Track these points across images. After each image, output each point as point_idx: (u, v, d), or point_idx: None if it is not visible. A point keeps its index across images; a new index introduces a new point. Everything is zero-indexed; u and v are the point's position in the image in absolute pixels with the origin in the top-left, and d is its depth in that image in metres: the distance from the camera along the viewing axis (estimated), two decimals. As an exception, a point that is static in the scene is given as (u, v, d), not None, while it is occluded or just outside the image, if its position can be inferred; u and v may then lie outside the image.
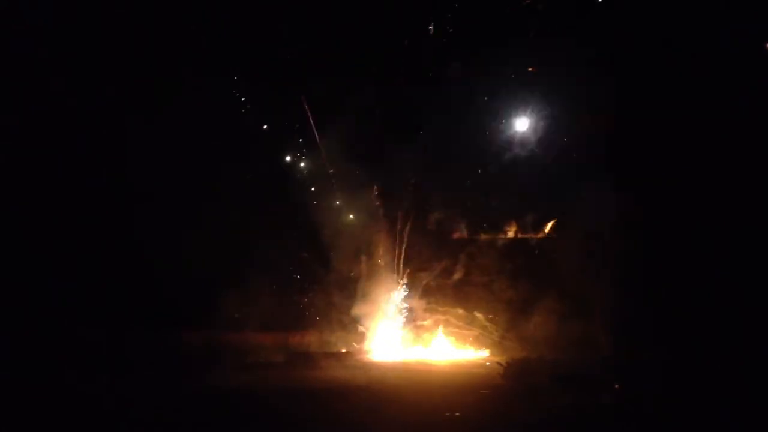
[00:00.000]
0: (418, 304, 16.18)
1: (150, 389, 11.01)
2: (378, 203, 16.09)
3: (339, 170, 15.62)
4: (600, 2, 14.93)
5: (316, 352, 14.64)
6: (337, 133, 15.15)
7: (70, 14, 14.56)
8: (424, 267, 16.21)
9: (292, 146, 15.91)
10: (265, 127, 15.84)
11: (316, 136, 15.53)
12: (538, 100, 15.51)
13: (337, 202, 15.94)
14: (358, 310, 15.75)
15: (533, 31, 14.96)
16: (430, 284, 16.23)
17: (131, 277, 14.55)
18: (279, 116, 15.81)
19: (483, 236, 16.44)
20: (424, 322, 16.12)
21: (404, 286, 16.21)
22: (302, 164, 15.97)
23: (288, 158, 16.03)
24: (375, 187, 16.02)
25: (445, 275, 16.23)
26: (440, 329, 16.02)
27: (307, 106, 15.44)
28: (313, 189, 15.69)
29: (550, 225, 16.20)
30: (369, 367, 13.84)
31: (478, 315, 15.95)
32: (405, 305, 16.23)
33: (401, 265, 16.21)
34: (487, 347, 15.63)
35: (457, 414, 9.34)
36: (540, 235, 16.37)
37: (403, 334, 16.08)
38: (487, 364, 13.75)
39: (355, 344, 15.50)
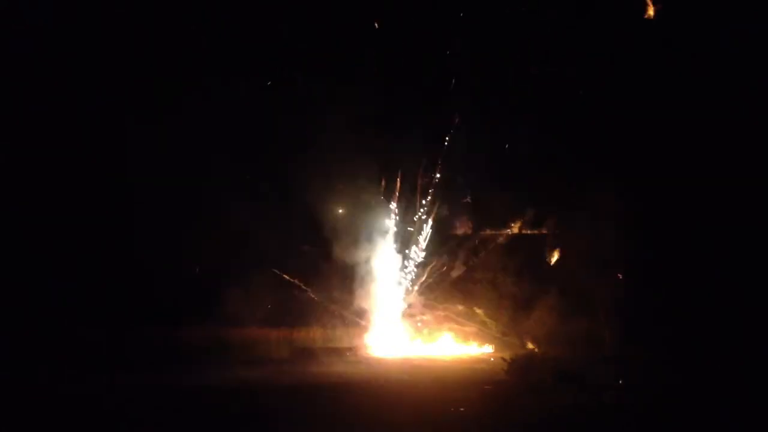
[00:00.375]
0: (421, 299, 16.19)
1: (154, 386, 11.04)
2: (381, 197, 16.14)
3: (340, 164, 15.52)
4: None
5: (320, 348, 14.68)
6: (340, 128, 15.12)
7: (70, 14, 14.60)
8: (426, 262, 16.24)
9: (291, 142, 15.84)
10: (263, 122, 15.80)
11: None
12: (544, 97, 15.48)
13: (339, 201, 15.89)
14: (360, 305, 15.77)
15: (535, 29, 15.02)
16: (433, 280, 16.24)
17: (133, 275, 14.57)
18: (277, 111, 15.77)
19: (487, 232, 16.44)
20: (424, 317, 16.12)
21: (407, 282, 16.22)
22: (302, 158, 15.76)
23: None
24: (379, 181, 16.06)
25: (447, 271, 16.25)
26: (443, 325, 16.03)
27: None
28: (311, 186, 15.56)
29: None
30: (373, 362, 13.88)
31: (478, 311, 15.97)
32: (408, 301, 16.24)
33: (405, 259, 16.26)
34: (489, 343, 15.64)
35: (461, 409, 9.35)
36: (543, 232, 16.38)
37: (406, 330, 16.09)
38: (491, 360, 13.76)
39: (358, 340, 15.50)
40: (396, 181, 16.17)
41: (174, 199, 14.69)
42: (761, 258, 13.62)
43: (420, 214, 16.26)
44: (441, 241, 16.33)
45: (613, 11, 14.76)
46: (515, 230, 16.70)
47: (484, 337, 15.81)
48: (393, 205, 16.19)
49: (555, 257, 15.64)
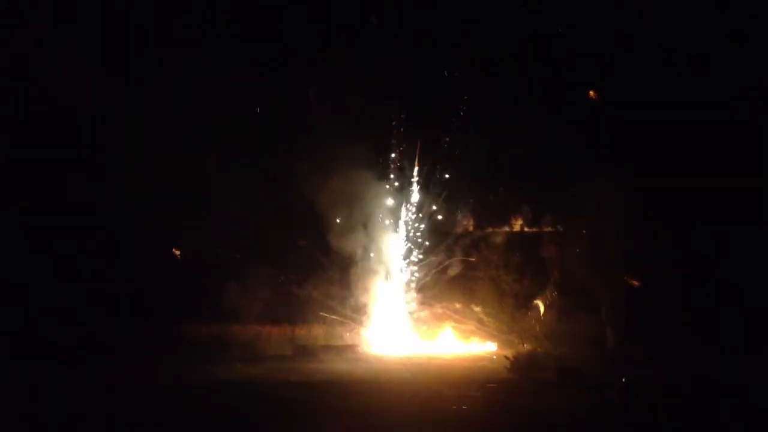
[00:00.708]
0: (421, 297, 16.19)
1: (158, 381, 11.06)
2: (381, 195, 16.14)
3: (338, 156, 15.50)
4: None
5: (322, 345, 14.67)
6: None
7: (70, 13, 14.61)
8: (427, 259, 16.24)
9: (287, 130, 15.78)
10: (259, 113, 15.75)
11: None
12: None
13: (336, 194, 15.84)
14: (361, 303, 15.77)
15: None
16: (434, 277, 16.24)
17: (134, 273, 14.59)
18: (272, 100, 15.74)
19: (488, 230, 16.45)
20: (424, 314, 16.12)
21: (408, 279, 16.22)
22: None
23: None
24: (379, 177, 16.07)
25: (447, 268, 16.25)
26: (444, 323, 16.04)
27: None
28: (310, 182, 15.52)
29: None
30: (375, 360, 13.87)
31: (476, 308, 15.96)
32: (409, 299, 16.24)
33: (405, 256, 16.25)
34: (490, 341, 15.65)
35: (463, 407, 9.36)
36: (545, 230, 16.38)
37: (408, 328, 16.09)
38: (494, 357, 13.77)
39: (359, 337, 15.50)
40: (395, 175, 16.16)
41: (170, 198, 14.70)
42: (762, 256, 13.64)
43: (420, 210, 16.27)
44: (441, 238, 16.31)
45: (612, 11, 14.75)
46: (516, 228, 16.71)
47: (485, 335, 15.81)
48: (391, 202, 16.17)
49: (556, 255, 15.63)
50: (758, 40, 13.67)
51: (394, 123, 15.92)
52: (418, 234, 16.32)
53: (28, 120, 14.87)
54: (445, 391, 10.40)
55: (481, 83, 15.67)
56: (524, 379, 11.22)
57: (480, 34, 15.52)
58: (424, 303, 16.26)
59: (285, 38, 15.40)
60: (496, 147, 15.88)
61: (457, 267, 16.17)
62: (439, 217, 16.40)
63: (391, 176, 16.21)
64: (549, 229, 16.49)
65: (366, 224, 15.86)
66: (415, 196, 16.36)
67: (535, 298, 15.40)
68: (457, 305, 16.05)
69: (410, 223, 16.32)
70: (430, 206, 16.29)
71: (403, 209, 16.30)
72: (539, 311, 15.27)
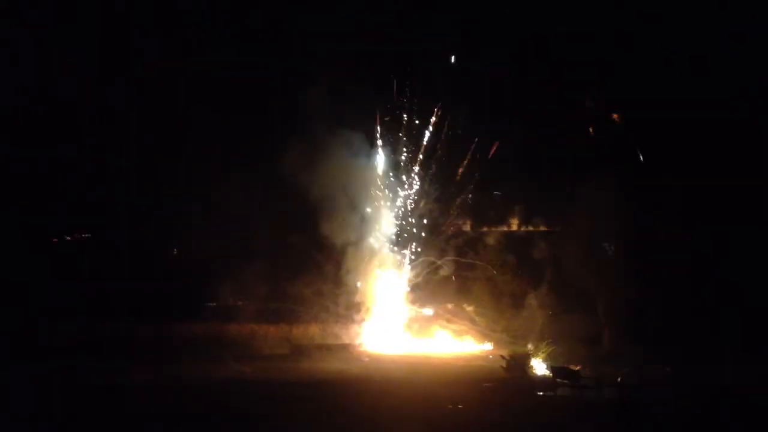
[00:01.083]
0: (416, 297, 16.16)
1: (154, 379, 11.01)
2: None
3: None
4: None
5: (319, 344, 14.61)
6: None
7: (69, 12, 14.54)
8: (423, 259, 16.21)
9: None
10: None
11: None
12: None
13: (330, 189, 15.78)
14: (358, 303, 15.73)
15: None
16: (430, 277, 16.21)
17: (130, 274, 14.53)
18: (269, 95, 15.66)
19: (484, 229, 16.41)
20: (418, 313, 16.09)
21: (404, 278, 16.19)
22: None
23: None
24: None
25: (444, 268, 16.21)
26: (440, 322, 16.00)
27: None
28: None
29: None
30: (372, 359, 13.83)
31: (468, 308, 15.95)
32: (404, 298, 16.21)
33: (401, 256, 16.22)
34: (487, 340, 15.62)
35: (459, 406, 9.33)
36: (542, 230, 16.36)
37: (405, 327, 16.05)
38: (490, 357, 13.74)
39: (357, 337, 15.45)
40: (391, 172, 16.12)
41: (165, 198, 14.64)
42: (762, 256, 13.65)
43: (415, 208, 16.24)
44: (437, 238, 16.27)
45: (610, 9, 14.73)
46: (513, 227, 16.68)
47: (479, 335, 15.78)
48: (385, 200, 16.13)
49: (551, 254, 15.61)
50: (758, 40, 13.63)
51: (387, 119, 15.82)
52: (413, 233, 16.26)
53: (28, 120, 14.77)
54: (440, 390, 10.38)
55: (480, 81, 15.57)
56: (520, 378, 11.21)
57: (481, 30, 15.44)
58: (417, 302, 16.20)
59: (277, 26, 15.30)
60: (493, 146, 15.82)
61: (451, 266, 16.11)
62: (435, 216, 16.32)
63: (387, 173, 16.10)
64: (545, 228, 16.46)
65: (361, 222, 15.77)
66: (412, 194, 16.25)
67: (528, 298, 15.37)
68: (449, 305, 15.99)
69: (406, 222, 16.25)
70: (426, 205, 16.21)
71: (399, 208, 16.21)
72: (532, 311, 15.23)
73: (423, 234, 16.28)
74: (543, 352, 12.30)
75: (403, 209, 16.24)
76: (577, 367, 10.78)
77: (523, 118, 15.45)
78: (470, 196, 16.31)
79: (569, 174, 15.16)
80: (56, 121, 14.97)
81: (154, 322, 14.23)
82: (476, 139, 15.86)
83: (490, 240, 16.28)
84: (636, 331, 13.55)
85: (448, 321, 15.96)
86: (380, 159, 16.07)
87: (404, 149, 16.11)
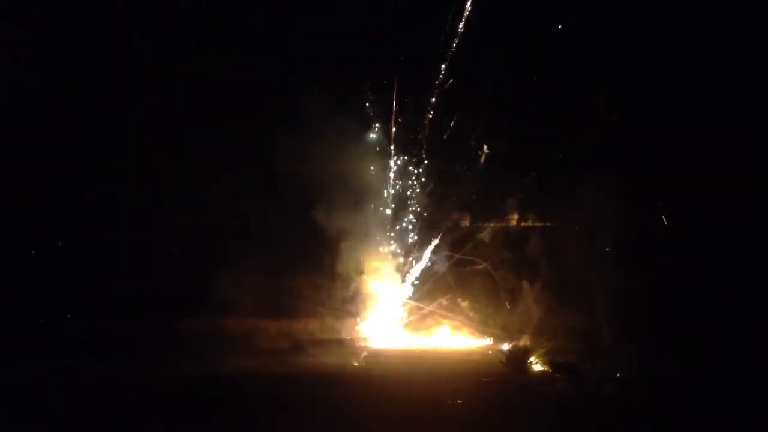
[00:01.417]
0: (413, 291, 16.17)
1: (154, 375, 11.05)
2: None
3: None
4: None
5: (318, 339, 14.59)
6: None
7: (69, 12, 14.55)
8: (422, 252, 16.21)
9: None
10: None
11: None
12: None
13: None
14: (358, 297, 15.74)
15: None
16: (430, 271, 16.20)
17: (131, 270, 14.53)
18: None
19: (484, 223, 16.40)
20: (416, 307, 16.09)
21: (403, 272, 16.20)
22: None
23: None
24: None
25: (444, 262, 16.21)
26: (440, 317, 16.00)
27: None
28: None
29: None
30: (371, 354, 13.83)
31: (463, 303, 15.93)
32: (402, 293, 16.21)
33: (401, 249, 16.22)
34: (486, 335, 15.63)
35: (459, 401, 9.34)
36: (541, 224, 16.36)
37: (404, 322, 16.06)
38: (489, 352, 13.75)
39: (355, 331, 15.46)
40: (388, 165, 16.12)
41: (160, 192, 14.65)
42: (762, 255, 13.66)
43: (414, 202, 16.25)
44: (436, 232, 16.27)
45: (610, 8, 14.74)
46: (512, 222, 16.67)
47: (475, 330, 15.79)
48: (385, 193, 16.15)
49: (550, 250, 15.60)
50: (758, 40, 13.64)
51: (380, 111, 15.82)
52: (411, 226, 16.26)
53: (27, 120, 14.79)
54: (440, 385, 10.39)
55: (479, 80, 15.58)
56: (519, 373, 11.22)
57: (480, 30, 15.45)
58: (414, 297, 16.20)
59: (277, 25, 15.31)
60: (491, 141, 15.81)
61: (447, 261, 16.11)
62: (432, 210, 16.32)
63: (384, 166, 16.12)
64: (544, 224, 16.45)
65: (359, 216, 15.80)
66: (408, 189, 16.26)
67: (525, 294, 15.38)
68: (444, 301, 16.00)
69: (404, 214, 16.26)
70: (423, 198, 16.21)
71: (394, 200, 16.23)
72: (528, 306, 15.24)
73: (421, 229, 16.25)
74: (542, 347, 12.31)
75: (402, 203, 16.22)
76: (576, 363, 10.81)
77: (522, 117, 15.45)
78: (464, 192, 16.29)
79: (569, 170, 15.15)
80: (56, 121, 14.96)
81: (154, 319, 14.21)
82: (475, 137, 15.86)
83: (487, 235, 16.27)
84: (635, 327, 13.55)
85: (443, 316, 15.97)
86: (381, 155, 16.06)
87: (403, 146, 16.12)
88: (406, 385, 10.65)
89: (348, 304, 15.67)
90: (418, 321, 16.07)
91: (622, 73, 14.57)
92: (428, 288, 16.12)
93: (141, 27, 14.91)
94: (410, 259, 16.23)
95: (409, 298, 16.13)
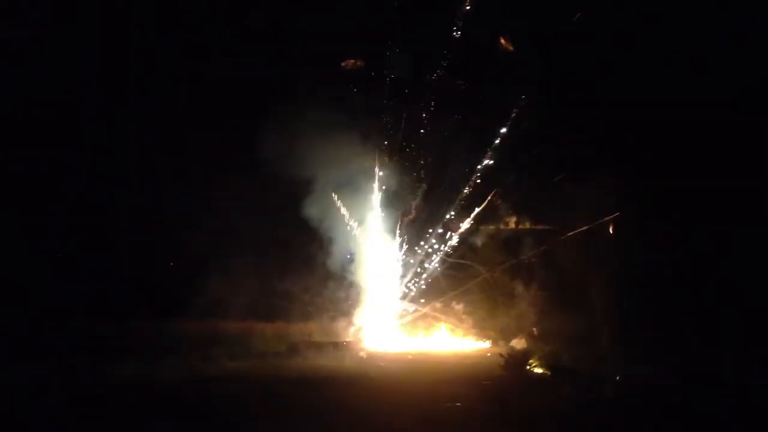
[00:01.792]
0: (409, 294, 16.18)
1: (150, 376, 11.04)
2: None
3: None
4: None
5: (316, 342, 14.61)
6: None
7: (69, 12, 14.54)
8: (420, 256, 16.21)
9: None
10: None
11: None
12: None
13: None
14: (356, 300, 15.75)
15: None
16: (428, 274, 16.22)
17: (131, 272, 14.55)
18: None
19: (482, 227, 16.41)
20: (412, 310, 16.11)
21: (402, 275, 16.21)
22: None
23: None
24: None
25: (442, 265, 16.23)
26: (438, 320, 16.02)
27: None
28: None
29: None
30: (369, 356, 13.85)
31: (457, 307, 15.98)
32: (402, 297, 16.22)
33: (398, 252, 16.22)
34: (485, 338, 15.65)
35: (457, 404, 9.34)
36: (540, 228, 16.37)
37: (402, 325, 16.08)
38: (488, 355, 13.76)
39: (354, 334, 15.47)
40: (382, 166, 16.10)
41: (156, 191, 14.65)
42: (759, 257, 13.66)
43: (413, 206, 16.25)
44: (436, 235, 16.28)
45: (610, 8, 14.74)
46: (511, 225, 16.68)
47: (480, 333, 15.80)
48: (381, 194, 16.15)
49: (547, 253, 15.63)
50: (758, 40, 13.65)
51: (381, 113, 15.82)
52: (409, 227, 16.27)
53: (27, 120, 14.79)
54: (438, 388, 10.39)
55: (479, 79, 15.58)
56: (518, 376, 11.22)
57: (481, 29, 15.45)
58: (409, 299, 16.22)
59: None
60: (489, 142, 15.81)
61: (443, 264, 16.12)
62: (433, 213, 16.32)
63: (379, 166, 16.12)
64: (541, 227, 16.46)
65: (354, 216, 15.80)
66: (406, 190, 16.27)
67: (521, 297, 15.41)
68: (437, 303, 16.02)
69: (401, 217, 16.27)
70: (425, 201, 16.22)
71: (394, 205, 16.25)
72: (534, 310, 15.26)
73: (418, 232, 16.26)
74: (541, 351, 12.32)
75: (399, 207, 16.25)
76: (575, 366, 10.82)
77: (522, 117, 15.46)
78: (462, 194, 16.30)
79: (567, 172, 15.16)
80: (56, 121, 14.97)
81: (152, 321, 14.22)
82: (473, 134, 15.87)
83: (483, 238, 16.28)
84: (634, 330, 13.56)
85: (437, 319, 15.99)
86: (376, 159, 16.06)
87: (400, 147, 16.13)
88: (404, 388, 10.65)
89: (345, 306, 15.72)
90: (416, 323, 16.12)
91: (622, 73, 14.59)
92: (428, 289, 16.16)
93: (141, 27, 14.89)
94: (410, 260, 16.26)
95: (408, 300, 16.17)
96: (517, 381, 11.00)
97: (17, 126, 14.62)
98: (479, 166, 15.91)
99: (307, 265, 15.44)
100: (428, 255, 16.19)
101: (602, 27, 14.73)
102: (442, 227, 16.28)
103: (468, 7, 15.18)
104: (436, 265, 16.15)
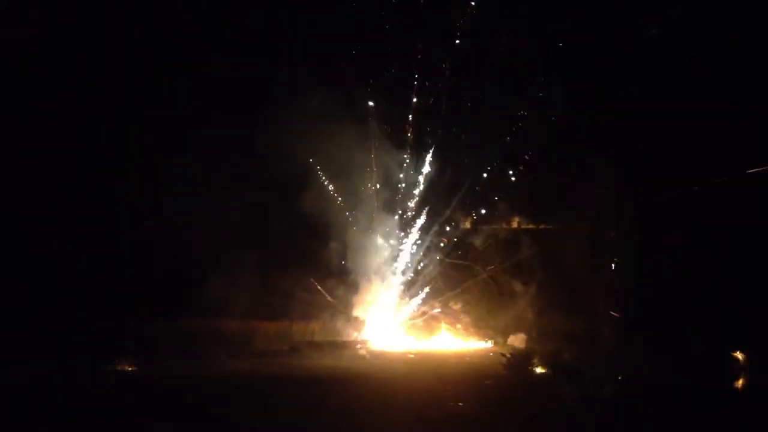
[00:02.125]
0: (418, 294, 16.17)
1: (154, 375, 11.05)
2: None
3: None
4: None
5: (319, 341, 14.60)
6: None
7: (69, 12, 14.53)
8: (422, 256, 16.21)
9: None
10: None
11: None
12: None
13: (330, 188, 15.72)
14: (359, 299, 15.74)
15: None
16: (430, 274, 16.20)
17: (131, 272, 14.51)
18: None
19: (485, 226, 16.40)
20: (413, 310, 16.10)
21: (404, 275, 16.20)
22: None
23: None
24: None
25: (444, 266, 16.20)
26: (441, 320, 16.01)
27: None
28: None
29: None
30: (371, 356, 13.84)
31: (455, 306, 15.95)
32: (405, 296, 16.21)
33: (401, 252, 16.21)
34: (488, 338, 15.63)
35: (460, 404, 9.34)
36: (542, 227, 16.36)
37: (405, 324, 16.06)
38: (490, 355, 13.76)
39: (357, 333, 15.45)
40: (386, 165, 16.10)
41: (156, 191, 14.64)
42: (759, 257, 13.68)
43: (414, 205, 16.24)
44: (437, 235, 16.27)
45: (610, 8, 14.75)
46: (513, 225, 16.67)
47: (482, 333, 15.79)
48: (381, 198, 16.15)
49: (546, 253, 15.62)
50: (758, 40, 13.66)
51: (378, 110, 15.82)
52: (414, 230, 16.25)
53: (27, 120, 14.77)
54: (440, 387, 10.39)
55: (478, 78, 15.58)
56: (521, 376, 11.22)
57: (479, 27, 15.46)
58: (408, 299, 16.21)
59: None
60: (490, 140, 15.81)
61: (442, 264, 16.11)
62: (435, 213, 16.30)
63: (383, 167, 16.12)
64: (542, 226, 16.46)
65: (356, 214, 15.78)
66: (407, 189, 16.26)
67: (521, 296, 15.41)
68: (436, 303, 16.02)
69: (401, 217, 16.27)
70: (426, 200, 16.21)
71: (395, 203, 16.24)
72: (535, 309, 15.26)
73: (418, 230, 16.26)
74: (543, 350, 12.32)
75: (399, 204, 16.23)
76: (577, 365, 10.82)
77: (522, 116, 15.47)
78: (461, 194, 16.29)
79: (569, 172, 15.17)
80: (56, 120, 14.95)
81: (153, 320, 14.21)
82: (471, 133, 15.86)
83: (483, 237, 16.27)
84: (635, 330, 13.57)
85: (435, 319, 15.99)
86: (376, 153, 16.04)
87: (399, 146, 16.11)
88: (406, 387, 10.64)
89: (348, 305, 15.71)
90: (419, 323, 16.10)
91: (622, 72, 14.60)
92: (427, 289, 16.14)
93: (140, 27, 14.89)
94: (410, 261, 16.26)
95: (410, 300, 16.17)
96: (519, 381, 11.00)
97: (17, 126, 14.59)
98: (480, 166, 15.92)
99: (309, 264, 15.43)
100: (429, 254, 16.17)
101: (602, 27, 14.72)
102: (443, 227, 16.27)
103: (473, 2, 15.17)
104: (437, 264, 16.12)
